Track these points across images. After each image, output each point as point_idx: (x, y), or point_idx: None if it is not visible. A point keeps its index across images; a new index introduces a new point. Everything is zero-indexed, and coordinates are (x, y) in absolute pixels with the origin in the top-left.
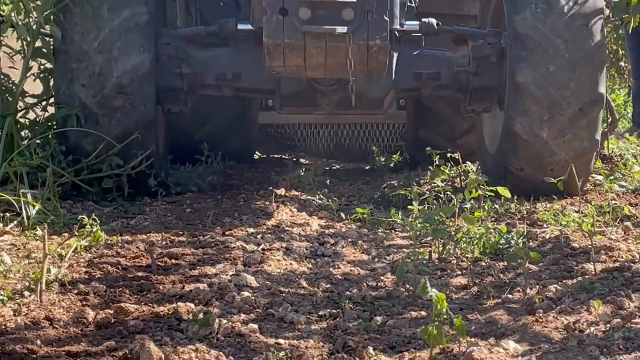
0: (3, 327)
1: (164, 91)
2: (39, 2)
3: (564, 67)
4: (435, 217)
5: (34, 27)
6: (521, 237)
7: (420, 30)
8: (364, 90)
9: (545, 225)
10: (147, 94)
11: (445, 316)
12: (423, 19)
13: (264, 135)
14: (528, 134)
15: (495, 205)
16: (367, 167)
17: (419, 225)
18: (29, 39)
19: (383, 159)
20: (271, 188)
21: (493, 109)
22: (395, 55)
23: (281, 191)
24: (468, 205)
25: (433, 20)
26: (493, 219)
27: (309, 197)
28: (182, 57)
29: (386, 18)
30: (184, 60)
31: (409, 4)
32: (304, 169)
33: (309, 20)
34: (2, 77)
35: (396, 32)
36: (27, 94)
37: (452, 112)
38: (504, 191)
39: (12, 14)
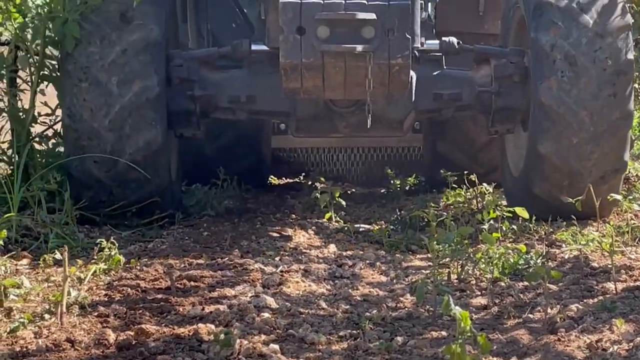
0: (25, 349)
1: (175, 115)
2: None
3: (587, 140)
4: (454, 238)
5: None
6: (540, 257)
7: (440, 50)
8: (383, 112)
9: (564, 246)
10: (161, 165)
11: (469, 334)
12: (443, 38)
13: (277, 160)
14: (547, 196)
15: (514, 226)
16: (382, 191)
17: (437, 246)
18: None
19: (398, 182)
20: (287, 211)
21: (516, 130)
22: (415, 75)
23: (298, 214)
24: (486, 226)
25: (453, 39)
26: (511, 239)
27: (325, 219)
28: (195, 79)
29: (408, 36)
30: (196, 83)
31: (428, 22)
32: (319, 192)
33: (327, 39)
34: (12, 104)
35: (416, 52)
36: (39, 116)
37: (468, 161)
38: (522, 212)
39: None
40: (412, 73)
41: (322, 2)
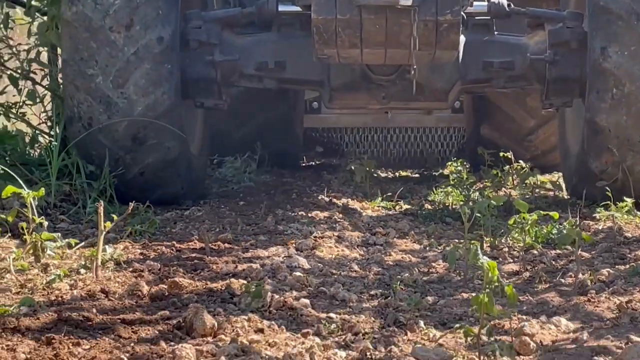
0: (60, 298)
1: (194, 82)
2: None
3: None
4: (487, 206)
5: None
6: (573, 226)
7: (489, 13)
8: (427, 81)
9: (597, 217)
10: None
11: (496, 284)
12: (492, 0)
13: (309, 140)
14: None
15: (549, 196)
16: (419, 173)
17: (468, 211)
18: None
19: (436, 165)
20: (323, 185)
21: (575, 103)
22: (463, 40)
23: (333, 188)
24: (519, 194)
25: (504, 1)
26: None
27: (360, 192)
28: (215, 43)
29: None
30: (217, 47)
31: None
32: (355, 165)
33: None
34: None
35: (463, 14)
36: None
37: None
38: (557, 184)
39: None
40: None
41: None
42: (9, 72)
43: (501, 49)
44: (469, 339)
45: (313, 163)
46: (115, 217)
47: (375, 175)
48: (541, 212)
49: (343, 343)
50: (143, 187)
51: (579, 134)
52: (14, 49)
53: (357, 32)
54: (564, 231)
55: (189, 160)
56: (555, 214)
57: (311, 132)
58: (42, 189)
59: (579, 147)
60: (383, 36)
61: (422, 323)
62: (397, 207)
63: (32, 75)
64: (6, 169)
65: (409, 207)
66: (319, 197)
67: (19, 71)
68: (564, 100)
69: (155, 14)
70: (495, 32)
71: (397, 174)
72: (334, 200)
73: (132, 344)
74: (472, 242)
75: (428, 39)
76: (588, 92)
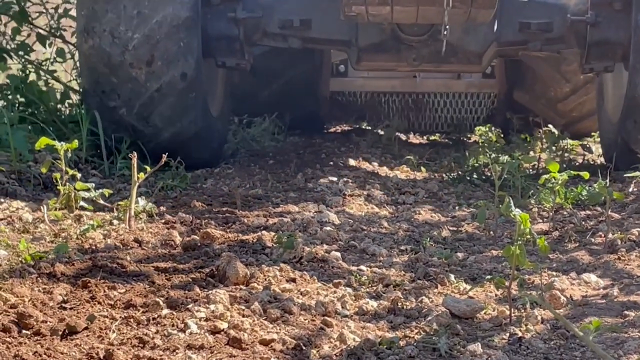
0: (94, 247)
1: (215, 40)
2: None
3: None
4: (517, 166)
5: None
6: (603, 187)
7: None
8: (460, 42)
9: (627, 180)
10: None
11: (528, 236)
12: None
13: (335, 104)
14: None
15: (579, 161)
16: (447, 138)
17: (499, 168)
18: None
19: (465, 131)
20: (352, 147)
21: (617, 68)
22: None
23: (362, 149)
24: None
25: None
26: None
27: (389, 153)
28: None
29: None
30: (240, 3)
31: None
32: (384, 126)
33: None
34: None
35: None
36: None
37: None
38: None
39: None
40: None
41: None
42: (37, 31)
43: (539, 10)
44: (499, 292)
45: (339, 128)
46: (148, 168)
47: (404, 139)
48: (571, 172)
49: (374, 293)
50: None
51: (618, 102)
52: (44, 7)
53: None
54: (595, 189)
55: (217, 155)
56: (585, 174)
57: (337, 96)
58: (76, 140)
59: (617, 134)
60: None
61: (452, 277)
62: (425, 169)
63: (61, 32)
64: (40, 123)
65: (437, 169)
66: (348, 158)
67: (48, 28)
68: (606, 64)
69: (177, 48)
70: None
71: (425, 138)
72: (363, 161)
73: (166, 289)
74: (501, 198)
75: None
76: (625, 117)
